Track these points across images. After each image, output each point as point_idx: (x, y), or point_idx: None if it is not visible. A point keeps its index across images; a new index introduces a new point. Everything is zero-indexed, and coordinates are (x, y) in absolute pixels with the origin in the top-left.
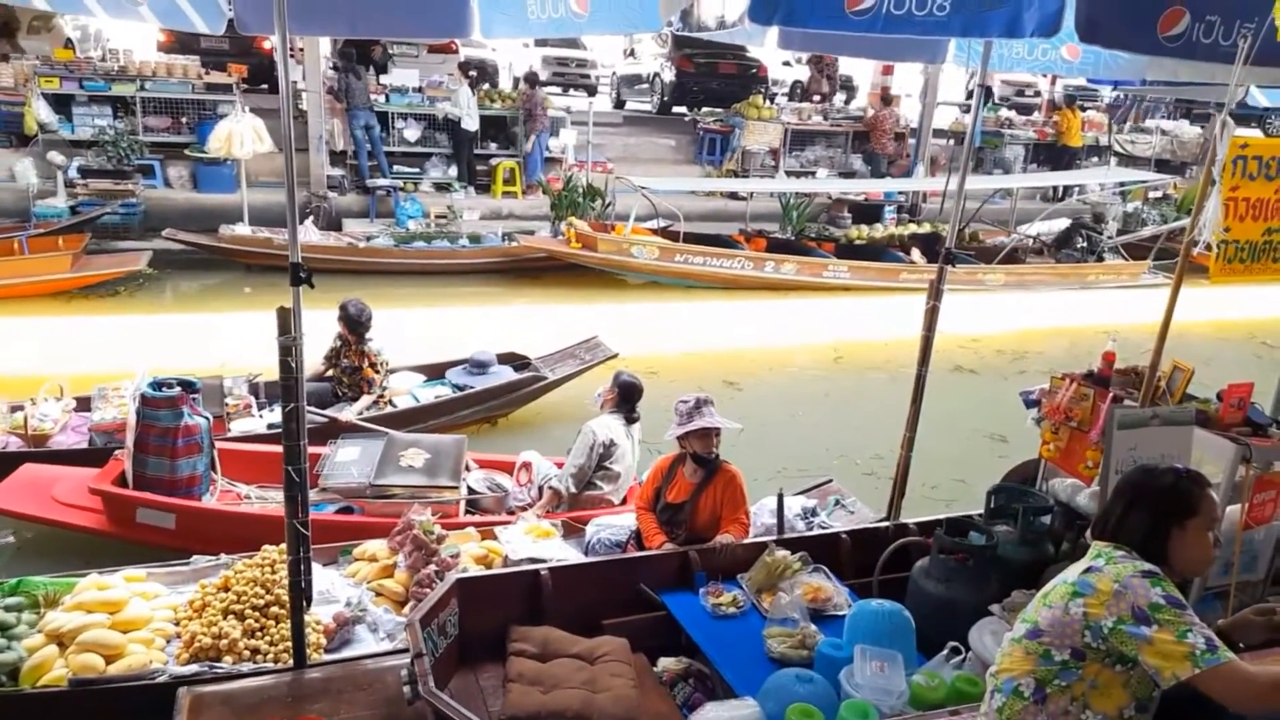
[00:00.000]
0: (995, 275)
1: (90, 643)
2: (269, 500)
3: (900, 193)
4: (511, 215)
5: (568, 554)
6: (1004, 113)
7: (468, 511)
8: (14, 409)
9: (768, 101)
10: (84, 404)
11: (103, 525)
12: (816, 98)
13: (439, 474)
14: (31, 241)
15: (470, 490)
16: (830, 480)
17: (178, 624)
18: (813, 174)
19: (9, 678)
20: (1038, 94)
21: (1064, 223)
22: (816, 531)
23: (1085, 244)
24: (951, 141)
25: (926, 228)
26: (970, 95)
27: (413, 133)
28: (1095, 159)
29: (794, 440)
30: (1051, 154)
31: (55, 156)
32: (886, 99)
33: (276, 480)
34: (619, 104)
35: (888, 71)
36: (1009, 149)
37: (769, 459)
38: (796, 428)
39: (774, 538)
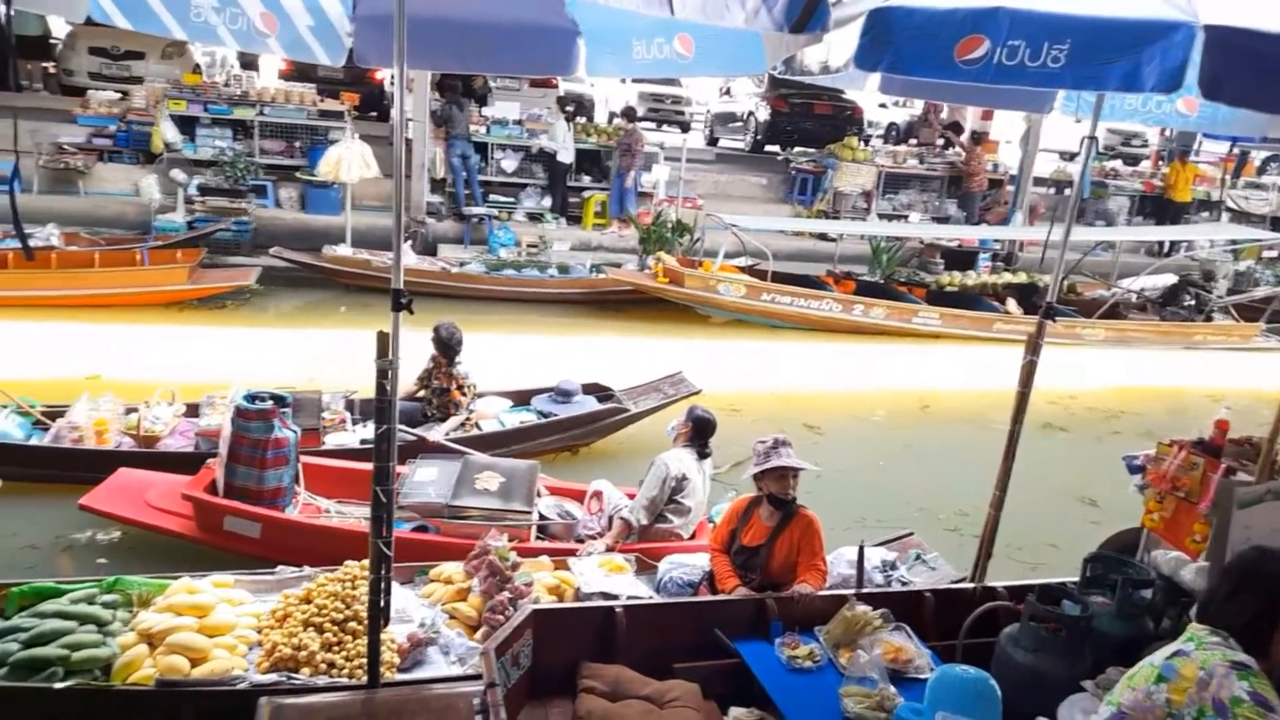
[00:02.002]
0: (1095, 330)
1: (177, 645)
2: (347, 515)
3: (996, 240)
4: (601, 247)
5: (639, 590)
6: (1109, 163)
7: (537, 537)
8: (129, 410)
9: (862, 143)
10: (193, 410)
11: (192, 531)
12: (913, 141)
13: (512, 498)
14: (151, 254)
15: (541, 516)
16: (911, 533)
17: (260, 632)
18: (905, 217)
19: (102, 672)
20: (1145, 144)
21: (1170, 279)
22: (898, 588)
23: (1193, 302)
24: (1052, 190)
25: (1022, 277)
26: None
27: (510, 163)
28: (1206, 214)
29: (874, 489)
30: (1158, 207)
31: (178, 174)
32: (976, 139)
33: (355, 495)
34: (712, 141)
35: (987, 117)
36: (1113, 200)
37: (848, 507)
38: (878, 476)
39: (853, 590)
